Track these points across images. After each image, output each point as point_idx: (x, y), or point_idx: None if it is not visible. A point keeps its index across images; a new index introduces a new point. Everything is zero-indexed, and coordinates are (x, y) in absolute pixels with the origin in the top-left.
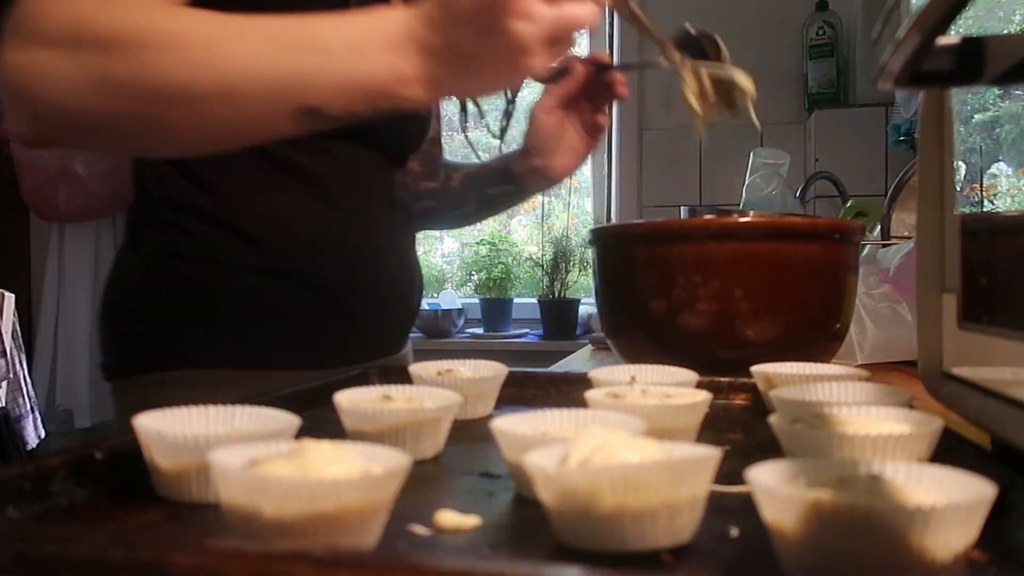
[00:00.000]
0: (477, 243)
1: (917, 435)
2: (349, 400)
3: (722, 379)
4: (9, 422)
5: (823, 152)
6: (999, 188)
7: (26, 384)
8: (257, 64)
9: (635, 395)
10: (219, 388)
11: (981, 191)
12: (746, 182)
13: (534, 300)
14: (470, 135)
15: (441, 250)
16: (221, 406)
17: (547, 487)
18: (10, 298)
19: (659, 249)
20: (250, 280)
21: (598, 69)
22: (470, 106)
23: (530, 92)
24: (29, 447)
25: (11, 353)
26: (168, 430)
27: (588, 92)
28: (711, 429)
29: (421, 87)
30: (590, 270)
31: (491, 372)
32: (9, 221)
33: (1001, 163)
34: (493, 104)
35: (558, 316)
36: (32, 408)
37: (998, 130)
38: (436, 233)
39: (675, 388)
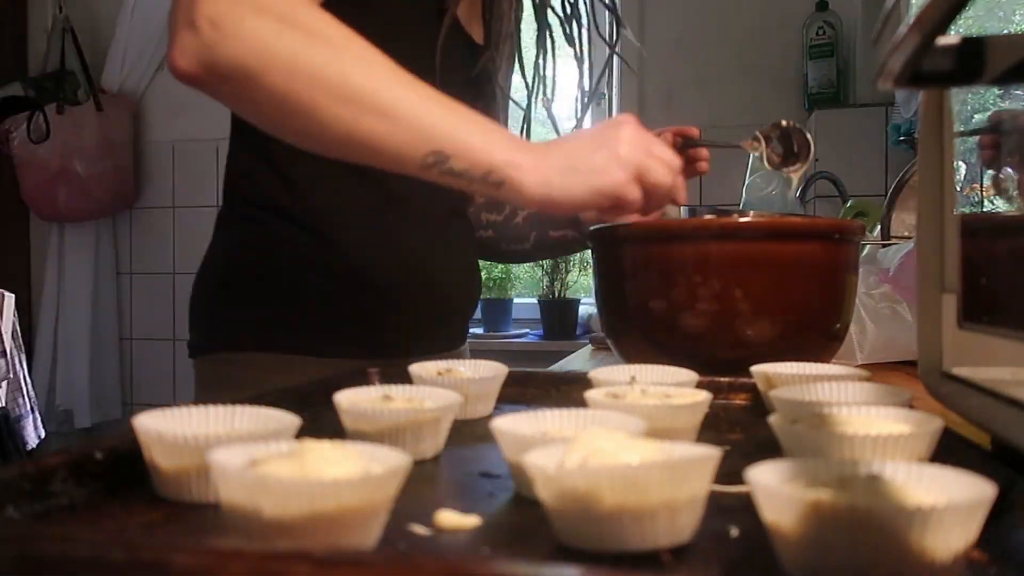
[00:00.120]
0: None
1: (917, 435)
2: (349, 400)
3: (722, 379)
4: (9, 422)
5: (823, 152)
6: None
7: (26, 384)
8: (417, 101)
9: (635, 395)
10: (281, 371)
11: (981, 191)
12: (746, 182)
13: (534, 300)
14: None
15: None
16: (221, 406)
17: (547, 487)
18: (10, 298)
19: (659, 249)
20: (316, 275)
21: (685, 142)
22: None
23: None
24: (29, 447)
25: (11, 353)
26: (168, 430)
27: None
28: (711, 429)
29: (532, 177)
30: (590, 270)
31: (491, 372)
32: (9, 221)
33: None
34: None
35: (558, 316)
36: (32, 408)
37: None
38: None
39: (675, 388)
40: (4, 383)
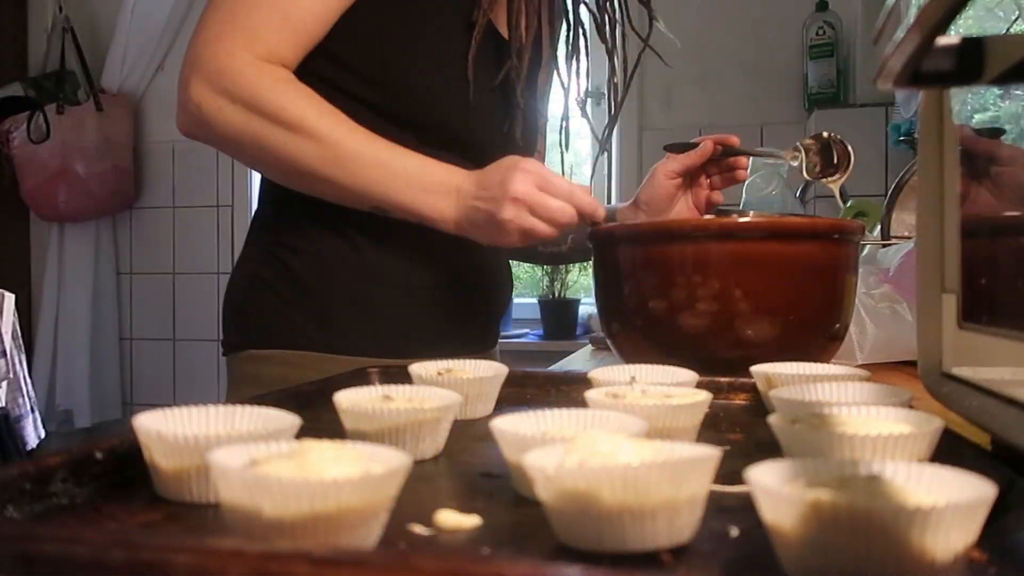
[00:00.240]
0: None
1: (917, 435)
2: (349, 400)
3: (722, 379)
4: (9, 422)
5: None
6: None
7: (26, 384)
8: (362, 174)
9: (635, 395)
10: (311, 369)
11: None
12: (746, 182)
13: (534, 300)
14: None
15: None
16: (221, 406)
17: (547, 487)
18: (10, 298)
19: (659, 249)
20: (346, 275)
21: (725, 151)
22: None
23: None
24: (29, 447)
25: (11, 353)
26: (168, 430)
27: (709, 169)
28: (711, 429)
29: (451, 223)
30: (590, 270)
31: (491, 372)
32: (9, 221)
33: None
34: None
35: (558, 316)
36: (32, 408)
37: None
38: None
39: (675, 388)
40: (4, 383)
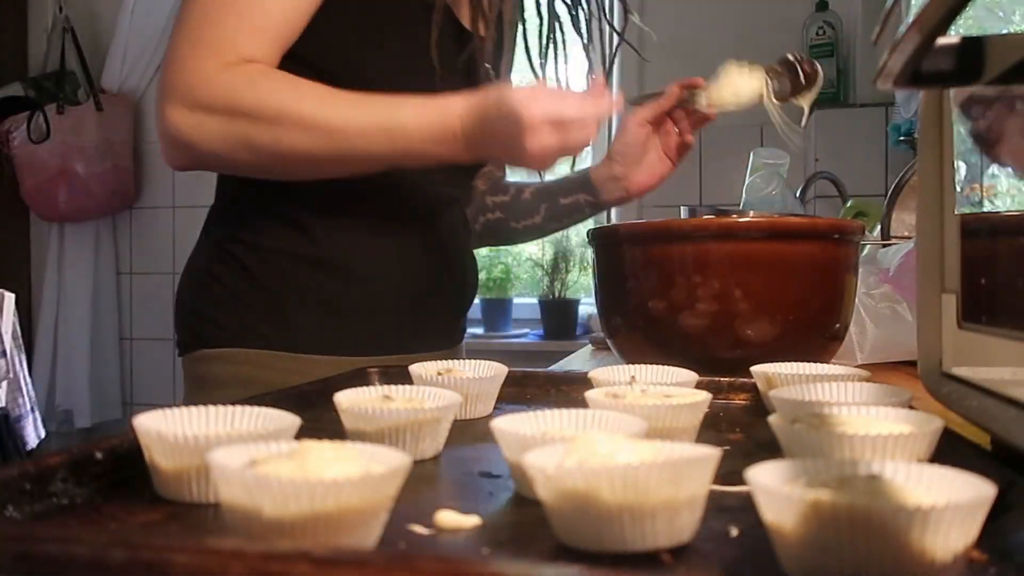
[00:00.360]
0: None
1: (917, 435)
2: (349, 400)
3: (722, 379)
4: (9, 422)
5: (823, 152)
6: (999, 188)
7: (26, 384)
8: (361, 145)
9: (635, 395)
10: (267, 368)
11: (981, 191)
12: (746, 182)
13: (534, 300)
14: None
15: None
16: (221, 406)
17: (547, 487)
18: (10, 298)
19: (659, 249)
20: (301, 271)
21: (692, 94)
22: None
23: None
24: (29, 447)
25: (11, 353)
26: (168, 430)
27: (677, 115)
28: (711, 429)
29: (470, 156)
30: (590, 270)
31: (491, 372)
32: (9, 221)
33: None
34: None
35: (558, 316)
36: (32, 408)
37: None
38: None
39: (675, 388)
40: (4, 383)
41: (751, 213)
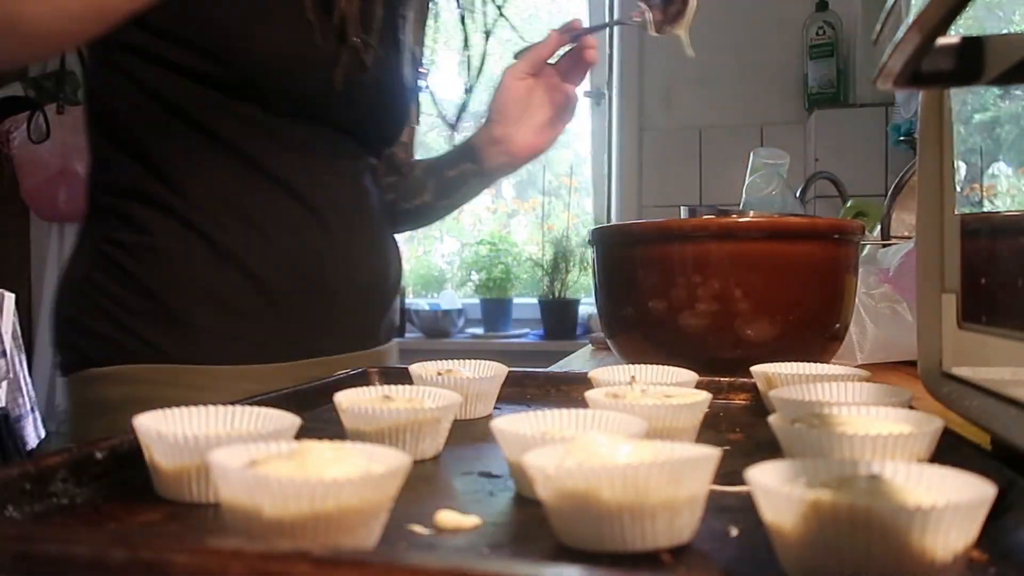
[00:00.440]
0: (477, 243)
1: (917, 435)
2: (349, 400)
3: (722, 379)
4: (9, 422)
5: (823, 152)
6: (999, 188)
7: (26, 384)
8: None
9: (635, 395)
10: (162, 385)
11: (981, 191)
12: (746, 182)
13: (534, 300)
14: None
15: (441, 250)
16: (221, 406)
17: (547, 487)
18: (10, 298)
19: (659, 249)
20: (194, 271)
21: (573, 39)
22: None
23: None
24: (29, 447)
25: (11, 353)
26: (168, 430)
27: (561, 65)
28: (711, 429)
29: None
30: (590, 270)
31: (491, 372)
32: (9, 221)
33: (1001, 163)
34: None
35: (558, 316)
36: (32, 408)
37: (998, 130)
38: (436, 233)
39: (675, 388)
40: (4, 383)
41: (751, 213)
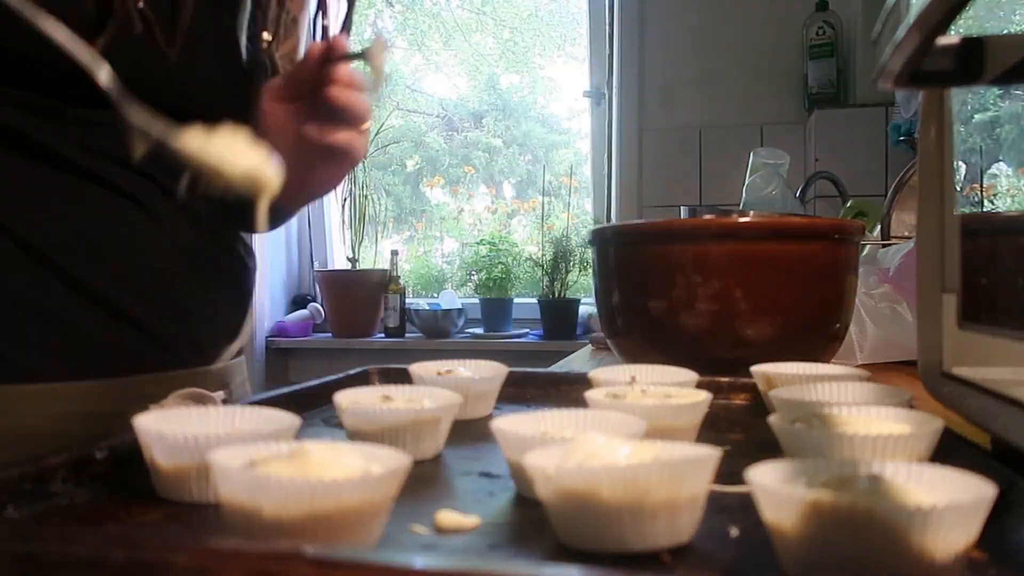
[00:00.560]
0: (477, 243)
1: (917, 435)
2: (349, 400)
3: (722, 379)
4: None
5: (823, 152)
6: (999, 188)
7: None
8: None
9: (635, 395)
10: None
11: (981, 191)
12: (746, 182)
13: (534, 300)
14: None
15: (441, 250)
16: (221, 406)
17: (547, 487)
18: None
19: (659, 249)
20: None
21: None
22: None
23: None
24: None
25: None
26: (168, 430)
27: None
28: (711, 429)
29: None
30: (590, 270)
31: (491, 372)
32: None
33: (1001, 163)
34: None
35: (558, 316)
36: None
37: (998, 130)
38: (436, 233)
39: (675, 388)
40: None
41: (751, 213)
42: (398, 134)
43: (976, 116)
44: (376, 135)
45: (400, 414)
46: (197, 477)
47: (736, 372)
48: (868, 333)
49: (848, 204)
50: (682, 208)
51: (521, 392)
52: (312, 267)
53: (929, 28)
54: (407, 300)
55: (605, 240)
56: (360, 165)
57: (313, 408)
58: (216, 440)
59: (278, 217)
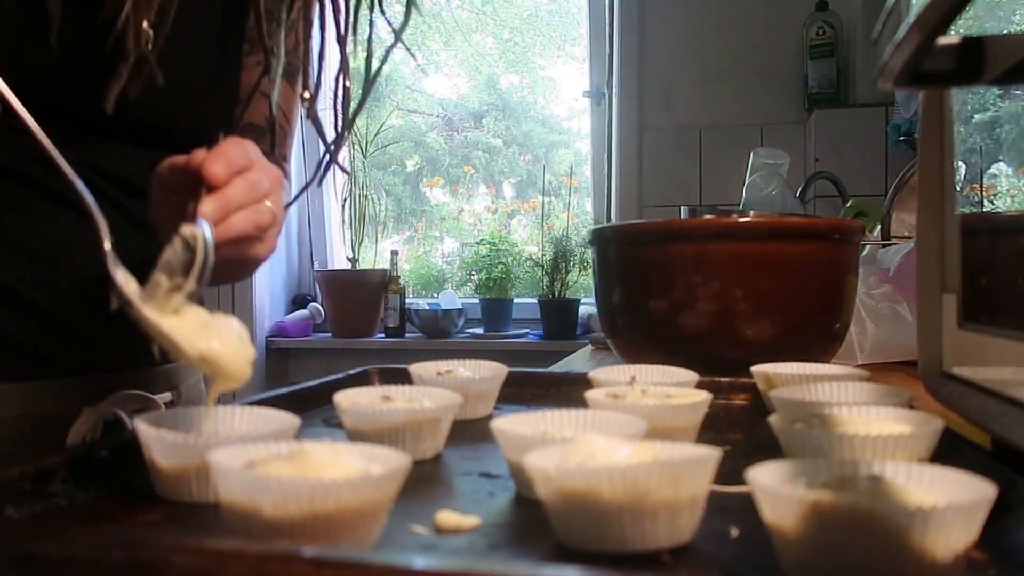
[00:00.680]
0: (477, 243)
1: (917, 435)
2: (349, 400)
3: (722, 379)
4: None
5: (823, 152)
6: (999, 188)
7: None
8: None
9: (635, 395)
10: None
11: (981, 191)
12: (746, 182)
13: (534, 300)
14: None
15: (441, 250)
16: (221, 406)
17: (547, 487)
18: None
19: (659, 249)
20: None
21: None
22: None
23: None
24: None
25: None
26: (168, 430)
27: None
28: (711, 429)
29: None
30: (590, 270)
31: (491, 372)
32: None
33: (1001, 163)
34: None
35: (558, 316)
36: None
37: (998, 130)
38: (436, 233)
39: (675, 388)
40: None
41: (751, 213)
42: (398, 134)
43: (976, 116)
44: (376, 135)
45: (400, 414)
46: (197, 477)
47: (736, 372)
48: (868, 333)
49: (848, 204)
50: (682, 208)
51: (521, 392)
52: (312, 267)
53: (929, 28)
54: (407, 300)
55: (605, 240)
56: (360, 165)
57: (313, 408)
58: (216, 440)
59: None
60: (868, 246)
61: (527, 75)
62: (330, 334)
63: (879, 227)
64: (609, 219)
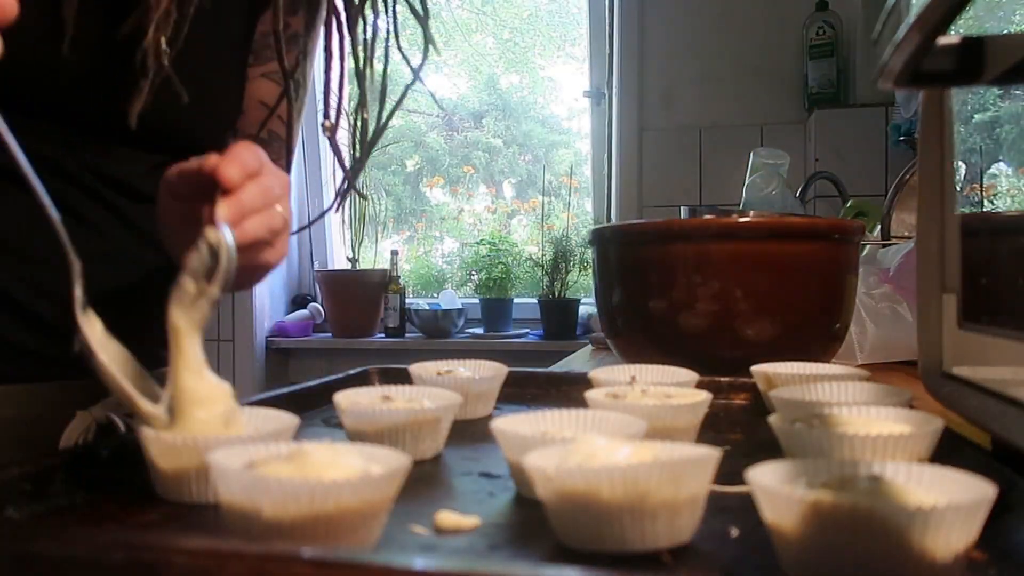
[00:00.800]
0: (477, 243)
1: (917, 435)
2: (349, 400)
3: (722, 379)
4: None
5: (823, 152)
6: (999, 188)
7: None
8: None
9: (635, 395)
10: None
11: (981, 191)
12: (746, 182)
13: (534, 300)
14: None
15: (441, 250)
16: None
17: (547, 487)
18: None
19: (659, 249)
20: None
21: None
22: None
23: None
24: None
25: None
26: (168, 431)
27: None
28: (711, 429)
29: None
30: (590, 270)
31: (491, 372)
32: None
33: (1001, 163)
34: None
35: (558, 316)
36: None
37: (998, 130)
38: (436, 233)
39: (675, 388)
40: None
41: (751, 213)
42: (398, 134)
43: (976, 116)
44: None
45: (400, 414)
46: (197, 478)
47: (736, 372)
48: (868, 333)
49: (848, 204)
50: (682, 208)
51: (521, 392)
52: (312, 267)
53: (929, 28)
54: (407, 300)
55: (605, 240)
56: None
57: (313, 408)
58: (215, 441)
59: None
60: (868, 246)
61: (527, 75)
62: (330, 334)
63: (879, 227)
64: (609, 219)
